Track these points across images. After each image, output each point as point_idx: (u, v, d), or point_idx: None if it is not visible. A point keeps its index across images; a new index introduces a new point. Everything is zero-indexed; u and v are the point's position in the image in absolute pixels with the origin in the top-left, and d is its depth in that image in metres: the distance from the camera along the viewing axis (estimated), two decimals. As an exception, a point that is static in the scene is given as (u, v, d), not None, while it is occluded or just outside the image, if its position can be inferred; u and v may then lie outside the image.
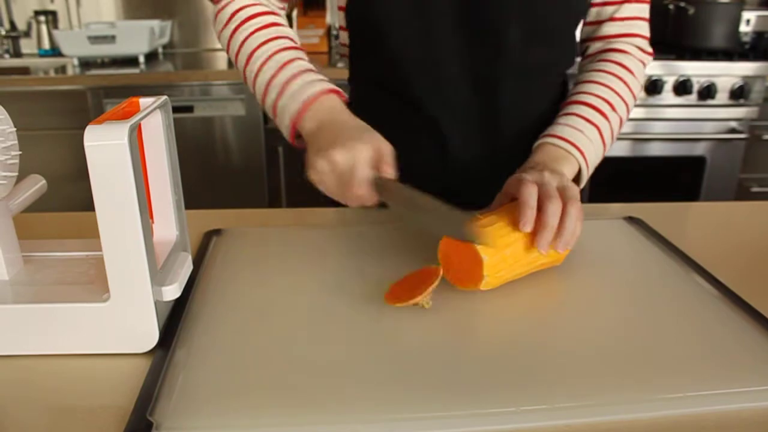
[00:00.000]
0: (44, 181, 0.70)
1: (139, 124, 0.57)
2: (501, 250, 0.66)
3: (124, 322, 0.56)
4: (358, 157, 0.67)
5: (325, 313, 0.64)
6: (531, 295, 0.68)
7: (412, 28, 0.85)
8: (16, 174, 0.61)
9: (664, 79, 2.14)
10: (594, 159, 0.85)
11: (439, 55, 0.86)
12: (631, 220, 0.89)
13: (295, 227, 0.86)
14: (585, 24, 0.96)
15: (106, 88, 2.11)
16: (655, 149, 2.24)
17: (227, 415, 0.49)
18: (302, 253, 0.77)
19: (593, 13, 0.94)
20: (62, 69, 2.30)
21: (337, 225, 0.90)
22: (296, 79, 0.77)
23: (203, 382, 0.53)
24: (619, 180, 2.26)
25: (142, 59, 2.33)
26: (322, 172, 0.69)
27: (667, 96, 2.16)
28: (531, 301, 0.67)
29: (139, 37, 2.29)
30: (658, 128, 2.21)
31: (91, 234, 0.86)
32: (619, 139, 2.16)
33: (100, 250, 0.65)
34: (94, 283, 0.60)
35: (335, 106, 0.75)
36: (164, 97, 0.62)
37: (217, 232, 0.82)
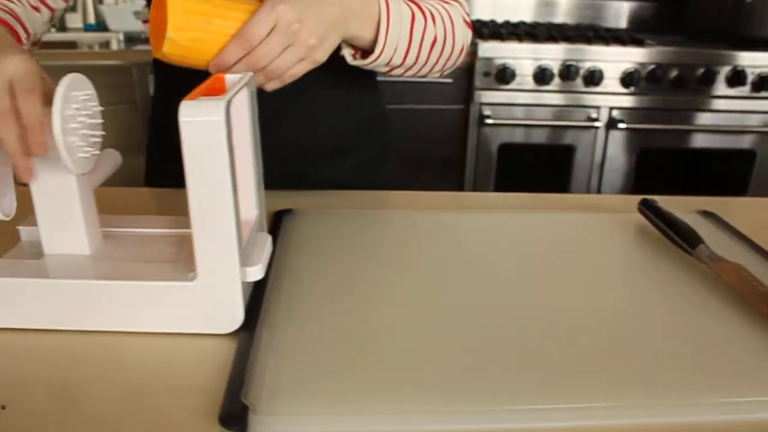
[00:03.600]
0: (119, 156, 0.69)
1: (227, 101, 0.56)
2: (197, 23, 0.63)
3: (210, 302, 0.56)
4: (21, 66, 0.57)
5: (406, 295, 0.63)
6: (613, 288, 0.66)
7: None
8: (99, 151, 0.60)
9: (717, 69, 2.08)
10: (396, 33, 0.77)
11: None
12: (705, 214, 0.87)
13: (365, 209, 0.85)
14: None
15: (152, 64, 2.10)
16: (703, 141, 2.19)
17: (322, 400, 0.48)
18: (376, 234, 0.76)
19: None
20: (106, 44, 2.30)
21: (403, 207, 0.89)
22: None
23: (294, 365, 0.52)
24: (667, 171, 2.22)
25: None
26: None
27: (719, 87, 2.11)
28: (612, 294, 0.65)
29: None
30: (707, 119, 2.16)
31: (148, 210, 0.86)
32: (664, 130, 2.12)
33: (176, 227, 0.65)
34: (177, 261, 0.59)
35: None
36: (250, 74, 0.61)
37: (287, 211, 0.81)
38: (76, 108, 0.56)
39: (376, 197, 0.93)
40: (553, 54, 2.04)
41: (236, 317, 0.56)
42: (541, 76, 2.05)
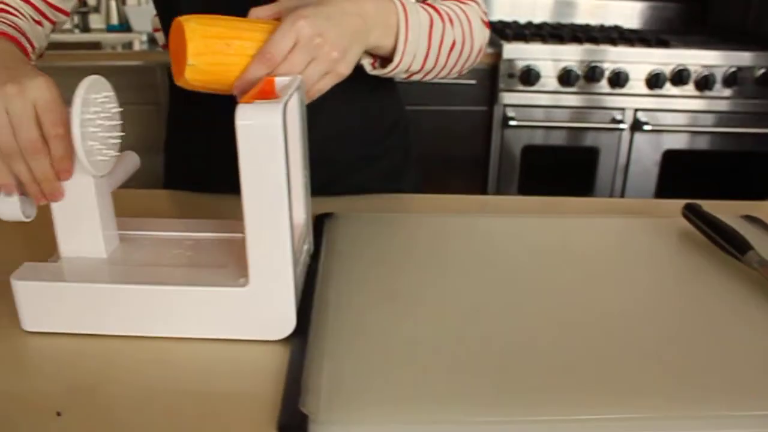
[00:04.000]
0: (138, 158, 0.68)
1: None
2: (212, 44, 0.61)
3: (262, 307, 0.55)
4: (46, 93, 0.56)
5: (453, 300, 0.62)
6: (662, 294, 0.65)
7: None
8: (118, 152, 0.60)
9: (744, 70, 2.06)
10: (415, 40, 0.75)
11: None
12: (750, 219, 0.85)
13: (401, 213, 0.84)
14: None
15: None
16: (729, 143, 2.17)
17: (381, 408, 0.48)
18: (416, 237, 0.76)
19: None
20: (129, 45, 2.30)
21: (437, 210, 0.88)
22: None
23: (349, 372, 0.51)
24: (692, 174, 2.19)
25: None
26: None
27: (746, 88, 2.08)
28: (661, 301, 0.64)
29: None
30: (732, 121, 2.14)
31: (166, 213, 0.86)
32: (689, 132, 2.10)
33: (197, 231, 0.65)
34: (226, 267, 0.59)
35: (5, 47, 0.65)
36: (299, 77, 0.61)
37: (327, 215, 0.80)
38: (95, 111, 0.56)
39: (407, 201, 0.92)
40: (577, 55, 2.03)
41: (288, 323, 0.56)
42: (566, 77, 2.03)
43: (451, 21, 0.80)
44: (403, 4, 0.73)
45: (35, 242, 0.62)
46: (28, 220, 0.60)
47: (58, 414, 0.48)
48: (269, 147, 0.50)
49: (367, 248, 0.73)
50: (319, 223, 0.78)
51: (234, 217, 0.77)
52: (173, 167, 1.02)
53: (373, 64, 0.77)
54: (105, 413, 0.49)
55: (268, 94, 0.56)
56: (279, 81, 0.59)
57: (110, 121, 0.58)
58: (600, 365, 0.53)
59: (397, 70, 0.76)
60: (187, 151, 0.98)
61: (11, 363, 0.54)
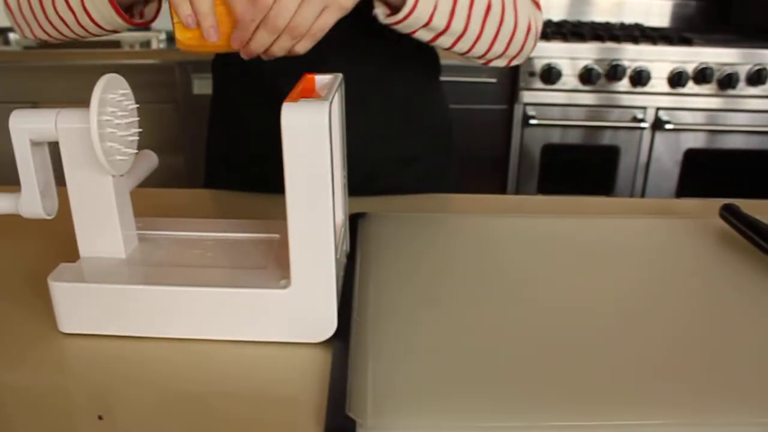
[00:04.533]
0: (156, 157, 0.67)
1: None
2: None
3: (303, 309, 0.54)
4: None
5: (494, 301, 0.61)
6: (707, 298, 0.64)
7: None
8: (136, 151, 0.59)
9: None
10: None
11: None
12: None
13: (434, 212, 0.83)
14: None
15: (194, 63, 2.10)
16: (751, 142, 2.14)
17: (428, 413, 0.47)
18: (450, 237, 0.74)
19: None
20: (148, 43, 2.30)
21: (469, 210, 0.87)
22: None
23: (394, 376, 0.50)
24: (713, 173, 2.17)
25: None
26: None
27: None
28: (707, 305, 0.63)
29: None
30: (755, 120, 2.11)
31: (201, 212, 0.85)
32: (711, 131, 2.07)
33: (217, 231, 0.65)
34: (266, 267, 0.58)
35: None
36: (340, 75, 0.59)
37: (361, 215, 0.79)
38: (112, 111, 0.54)
39: (439, 200, 0.91)
40: (598, 53, 2.01)
41: (329, 325, 0.55)
42: (587, 76, 2.01)
43: None
44: None
45: (70, 241, 0.61)
46: (49, 217, 0.59)
47: (100, 418, 0.47)
48: (315, 146, 0.49)
49: (402, 248, 0.71)
50: (353, 223, 0.77)
51: (267, 216, 0.76)
52: (214, 166, 1.01)
53: (388, 15, 0.71)
54: (147, 417, 0.48)
55: (309, 92, 0.55)
56: (319, 79, 0.58)
57: (128, 119, 0.57)
58: (649, 371, 0.52)
59: (412, 16, 0.69)
60: (227, 150, 0.97)
61: (51, 365, 0.54)
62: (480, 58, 0.80)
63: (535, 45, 0.83)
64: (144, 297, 0.54)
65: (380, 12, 0.71)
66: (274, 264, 0.58)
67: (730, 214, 0.80)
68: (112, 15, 0.70)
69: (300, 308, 0.54)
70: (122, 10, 0.71)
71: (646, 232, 0.79)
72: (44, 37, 0.78)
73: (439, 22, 0.71)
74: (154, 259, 0.60)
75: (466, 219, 0.82)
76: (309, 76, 0.58)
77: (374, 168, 0.91)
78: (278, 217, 0.73)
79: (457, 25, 0.72)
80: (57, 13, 0.73)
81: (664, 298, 0.64)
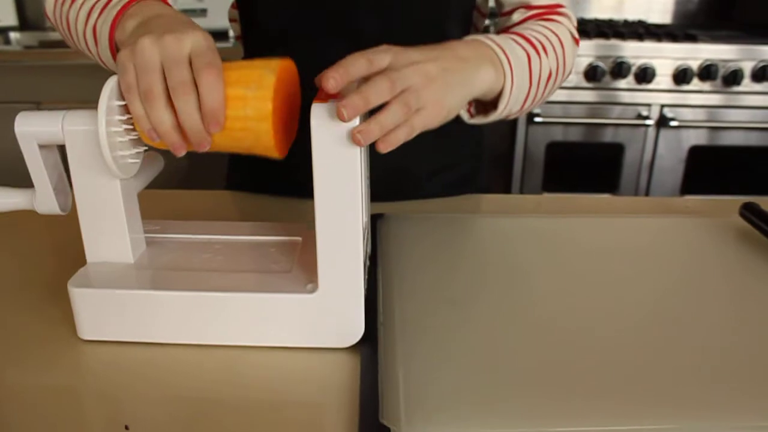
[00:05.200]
0: (162, 159, 0.66)
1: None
2: None
3: (331, 314, 0.53)
4: (202, 42, 0.52)
5: (517, 303, 0.60)
6: (736, 299, 0.63)
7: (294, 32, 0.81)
8: (144, 149, 0.57)
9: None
10: (519, 81, 0.66)
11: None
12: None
13: (452, 213, 0.82)
14: (501, 15, 0.84)
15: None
16: (757, 139, 2.13)
17: (462, 420, 0.45)
18: (470, 239, 0.74)
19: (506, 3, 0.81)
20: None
21: (492, 211, 0.86)
22: None
23: (425, 382, 0.49)
24: (718, 170, 2.16)
25: (231, 33, 2.31)
26: (143, 51, 0.50)
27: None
28: (737, 306, 0.62)
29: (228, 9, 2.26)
30: (760, 116, 2.10)
31: (221, 214, 0.84)
32: (716, 128, 2.06)
33: (239, 234, 0.64)
34: (291, 272, 0.57)
35: (162, 7, 0.61)
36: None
37: (379, 216, 0.78)
38: (119, 113, 0.53)
39: (455, 202, 0.90)
40: (603, 51, 2.00)
41: (357, 330, 0.54)
42: (592, 73, 2.00)
43: (545, 50, 0.73)
44: (497, 43, 0.65)
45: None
46: (64, 213, 0.58)
47: (126, 428, 0.46)
48: (345, 147, 0.48)
49: (422, 249, 0.70)
50: (372, 225, 0.76)
51: (286, 219, 0.75)
52: (235, 168, 0.99)
53: (469, 111, 0.71)
54: (173, 426, 0.47)
55: (336, 93, 0.54)
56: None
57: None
58: (672, 372, 0.51)
59: (499, 115, 0.68)
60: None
61: (73, 373, 0.53)
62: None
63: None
64: (170, 302, 0.53)
65: (463, 112, 0.70)
66: (298, 268, 0.57)
67: (750, 212, 0.79)
68: (105, 54, 0.66)
69: (327, 313, 0.53)
70: None
71: (669, 232, 0.78)
72: None
73: (516, 107, 0.70)
74: (174, 264, 0.59)
75: (484, 219, 0.81)
76: None
77: (407, 178, 0.90)
78: (298, 219, 0.72)
79: (528, 103, 0.72)
80: (88, 49, 0.71)
81: (694, 298, 0.63)
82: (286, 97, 0.52)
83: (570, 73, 0.82)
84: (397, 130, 0.51)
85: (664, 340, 0.55)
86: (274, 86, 0.50)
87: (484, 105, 0.69)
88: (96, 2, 0.65)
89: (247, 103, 0.50)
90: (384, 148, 0.51)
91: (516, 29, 0.74)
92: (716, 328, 0.58)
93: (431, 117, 0.55)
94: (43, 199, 0.56)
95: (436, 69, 0.55)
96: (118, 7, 0.61)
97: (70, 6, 0.69)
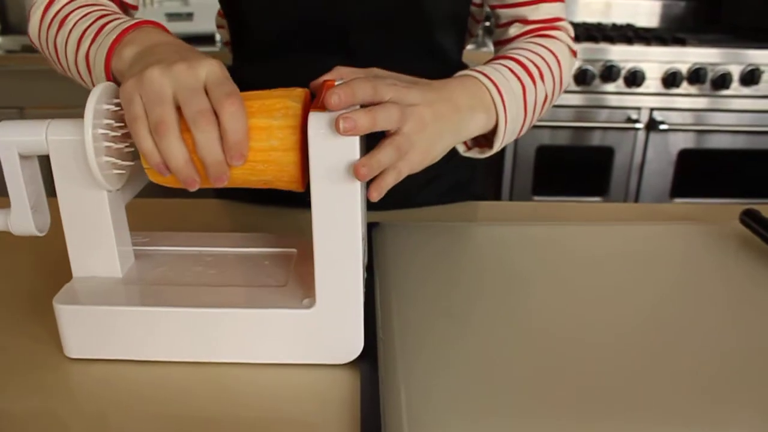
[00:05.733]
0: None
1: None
2: None
3: (329, 329, 0.51)
4: (218, 71, 0.50)
5: (519, 314, 0.58)
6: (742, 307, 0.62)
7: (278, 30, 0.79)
8: (132, 163, 0.55)
9: (762, 68, 2.03)
10: (513, 117, 0.64)
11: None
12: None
13: (446, 221, 0.81)
14: (497, 26, 0.82)
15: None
16: (746, 142, 2.14)
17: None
18: (469, 247, 0.72)
19: (502, 15, 0.80)
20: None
21: (482, 219, 0.84)
22: (117, 20, 0.61)
23: (428, 401, 0.47)
24: (707, 173, 2.16)
25: (218, 37, 2.28)
26: (154, 83, 0.48)
27: (764, 86, 2.05)
28: (731, 313, 0.61)
29: (215, 14, 2.24)
30: (749, 120, 2.10)
31: (211, 224, 0.82)
32: (706, 131, 2.06)
33: (231, 246, 0.62)
34: (286, 285, 0.55)
35: (161, 33, 0.59)
36: (360, 80, 0.56)
37: (374, 225, 0.76)
38: (107, 122, 0.51)
39: (449, 210, 0.88)
40: (592, 54, 1.99)
41: (356, 346, 0.52)
42: (581, 77, 2.00)
43: (542, 76, 0.70)
44: (491, 79, 0.63)
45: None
46: (41, 234, 0.55)
47: (117, 452, 0.44)
48: (344, 158, 0.46)
49: (418, 259, 0.69)
50: (368, 234, 0.74)
51: (281, 229, 0.73)
52: None
53: (466, 144, 0.69)
54: (167, 450, 0.45)
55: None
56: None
57: (123, 130, 0.53)
58: (673, 381, 0.50)
59: (495, 152, 0.67)
60: None
61: (61, 393, 0.50)
62: None
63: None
64: (160, 319, 0.51)
65: (459, 147, 0.69)
66: (294, 281, 0.55)
67: (751, 218, 0.78)
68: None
69: (325, 329, 0.51)
70: None
71: (668, 239, 0.77)
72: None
73: (511, 138, 0.68)
74: (165, 278, 0.56)
75: (480, 228, 0.79)
76: (330, 83, 0.55)
77: (402, 187, 0.87)
78: (293, 230, 0.70)
79: (524, 131, 0.70)
80: (79, 74, 0.68)
81: (694, 305, 0.62)
82: (304, 126, 0.49)
83: (567, 86, 0.80)
84: (386, 175, 0.50)
85: (664, 348, 0.54)
86: (301, 115, 0.49)
87: (482, 136, 0.67)
88: (87, 28, 0.62)
89: (272, 134, 0.48)
90: (377, 195, 0.49)
91: (512, 51, 0.71)
92: (717, 336, 0.57)
93: (416, 163, 0.54)
94: (20, 218, 0.53)
95: (430, 115, 0.54)
96: (115, 35, 0.58)
97: (58, 31, 0.66)
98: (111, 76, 0.58)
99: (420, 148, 0.53)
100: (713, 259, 0.72)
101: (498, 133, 0.63)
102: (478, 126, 0.61)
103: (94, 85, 0.62)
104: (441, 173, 0.91)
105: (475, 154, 0.69)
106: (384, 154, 0.49)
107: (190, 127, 0.47)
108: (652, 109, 2.06)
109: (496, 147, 0.65)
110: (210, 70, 0.49)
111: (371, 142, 0.60)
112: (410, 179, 0.88)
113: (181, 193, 0.71)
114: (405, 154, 0.52)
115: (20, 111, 1.95)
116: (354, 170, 0.46)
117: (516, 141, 2.06)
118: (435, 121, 0.55)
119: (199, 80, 0.48)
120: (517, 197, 2.16)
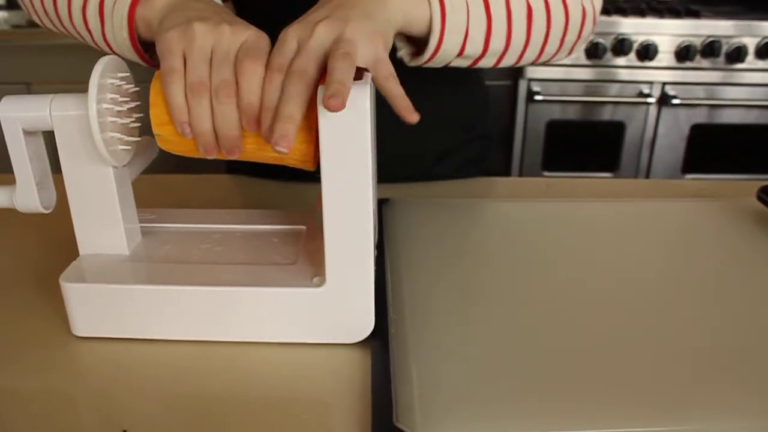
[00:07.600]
0: (156, 144, 0.62)
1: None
2: None
3: (340, 308, 0.50)
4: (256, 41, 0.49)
5: (532, 294, 0.57)
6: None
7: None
8: (138, 139, 0.54)
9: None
10: (458, 11, 0.59)
11: None
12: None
13: (459, 198, 0.79)
14: None
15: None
16: (759, 116, 2.10)
17: (481, 424, 0.43)
18: (482, 224, 0.71)
19: None
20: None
21: (494, 195, 0.83)
22: None
23: (440, 381, 0.46)
24: (720, 148, 2.13)
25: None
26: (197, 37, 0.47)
27: None
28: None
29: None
30: (762, 94, 2.07)
31: (223, 200, 0.81)
32: (719, 105, 2.03)
33: (240, 222, 0.60)
34: (296, 263, 0.54)
35: (217, 7, 0.56)
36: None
37: (384, 201, 0.75)
38: (111, 97, 0.49)
39: (461, 185, 0.87)
40: (605, 27, 1.96)
41: (367, 325, 0.51)
42: (593, 50, 1.97)
43: None
44: None
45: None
46: (47, 211, 0.55)
47: (125, 432, 0.44)
48: (355, 131, 0.45)
49: (430, 237, 0.67)
50: (378, 210, 0.72)
51: (291, 205, 0.72)
52: None
53: (412, 54, 0.64)
54: (174, 425, 0.44)
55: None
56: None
57: (129, 105, 0.52)
58: (695, 358, 0.49)
59: (438, 56, 0.61)
60: None
61: (68, 372, 0.50)
62: (533, 63, 0.71)
63: (595, 26, 0.71)
64: (168, 297, 0.50)
65: (404, 54, 0.63)
66: (303, 259, 0.54)
67: (768, 195, 0.76)
68: (133, 54, 0.60)
69: (335, 307, 0.50)
70: (143, 50, 0.60)
71: (684, 215, 0.75)
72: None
73: (474, 49, 0.62)
74: (172, 256, 0.56)
75: (493, 204, 0.78)
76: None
77: (414, 162, 0.86)
78: (302, 205, 0.69)
79: (497, 45, 0.63)
80: (74, 27, 0.64)
81: (714, 284, 0.60)
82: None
83: (588, 16, 0.69)
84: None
85: (678, 328, 0.53)
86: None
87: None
88: None
89: None
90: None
91: None
92: (733, 315, 0.55)
93: (371, 48, 0.51)
94: (25, 195, 0.53)
95: (344, 12, 0.51)
96: None
97: None
98: (134, 26, 0.56)
99: (362, 37, 0.50)
100: (730, 236, 0.71)
101: (433, 21, 0.58)
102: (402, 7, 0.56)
103: (104, 37, 0.60)
104: (454, 148, 0.90)
105: (417, 61, 0.63)
106: (338, 71, 0.45)
107: (212, 95, 0.47)
108: (664, 84, 2.03)
109: (433, 41, 0.59)
110: (251, 39, 0.49)
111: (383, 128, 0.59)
112: (425, 152, 0.86)
113: (191, 167, 0.70)
114: (353, 52, 0.47)
115: (27, 86, 1.94)
116: (327, 108, 0.42)
117: (526, 115, 2.04)
118: (350, 11, 0.51)
119: (237, 47, 0.48)
120: (527, 173, 2.14)
